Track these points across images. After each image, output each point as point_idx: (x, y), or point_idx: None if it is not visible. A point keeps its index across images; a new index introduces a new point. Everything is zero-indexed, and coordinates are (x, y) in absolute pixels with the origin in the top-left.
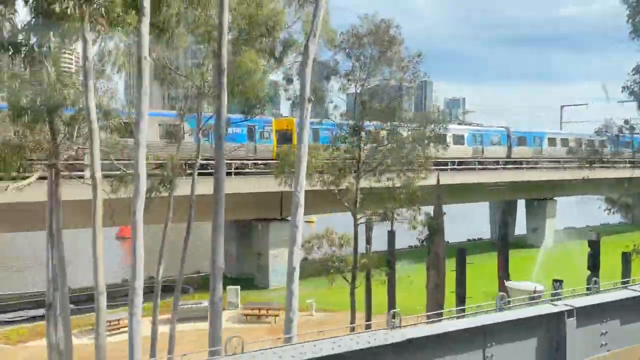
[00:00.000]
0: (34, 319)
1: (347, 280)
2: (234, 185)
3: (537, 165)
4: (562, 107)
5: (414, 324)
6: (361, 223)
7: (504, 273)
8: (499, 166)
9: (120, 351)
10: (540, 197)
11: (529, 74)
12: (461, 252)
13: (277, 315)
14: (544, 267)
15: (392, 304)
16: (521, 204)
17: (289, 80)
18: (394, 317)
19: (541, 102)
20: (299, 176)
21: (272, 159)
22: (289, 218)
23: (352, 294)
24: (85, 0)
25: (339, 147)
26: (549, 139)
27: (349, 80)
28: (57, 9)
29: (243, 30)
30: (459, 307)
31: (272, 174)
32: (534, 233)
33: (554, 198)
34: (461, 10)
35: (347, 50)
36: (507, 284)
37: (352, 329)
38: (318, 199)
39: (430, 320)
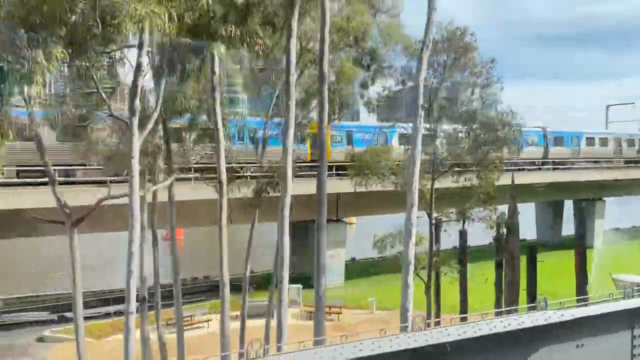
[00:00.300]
0: (108, 315)
1: (420, 278)
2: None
3: (582, 166)
4: (608, 106)
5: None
6: (441, 222)
7: (581, 272)
8: (535, 167)
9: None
10: (586, 197)
11: (564, 73)
12: (532, 250)
13: (340, 313)
14: (606, 267)
15: (464, 300)
16: (568, 205)
17: (364, 86)
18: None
19: (582, 102)
20: (413, 176)
21: (307, 162)
22: (345, 219)
23: (428, 291)
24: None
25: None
26: (587, 138)
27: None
28: (223, 33)
29: (332, 41)
30: (580, 297)
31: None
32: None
33: (603, 198)
34: (490, 7)
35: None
36: (614, 276)
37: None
38: (382, 200)
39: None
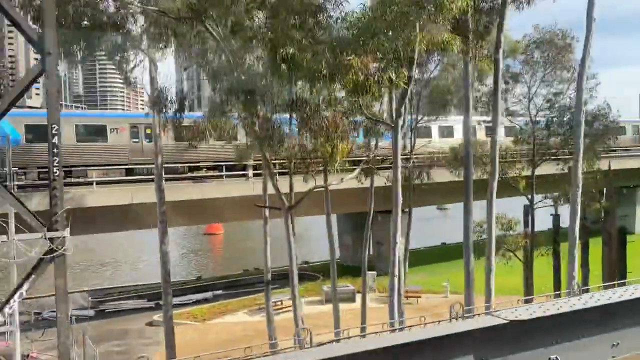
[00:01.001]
0: (196, 302)
1: (519, 259)
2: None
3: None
4: None
5: None
6: (540, 207)
7: None
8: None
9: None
10: (628, 184)
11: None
12: (621, 231)
13: (419, 297)
14: None
15: (557, 279)
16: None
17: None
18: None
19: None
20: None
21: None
22: (406, 209)
23: (528, 269)
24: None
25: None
26: None
27: (524, 83)
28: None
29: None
30: None
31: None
32: (624, 220)
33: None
34: None
35: (526, 56)
36: None
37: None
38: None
39: None
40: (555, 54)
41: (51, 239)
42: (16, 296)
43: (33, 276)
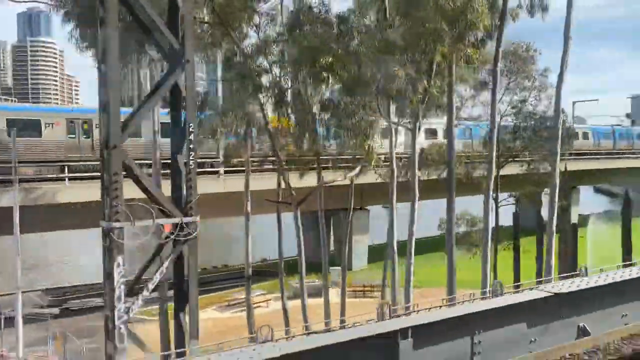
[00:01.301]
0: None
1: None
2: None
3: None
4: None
5: None
6: (504, 205)
7: (627, 242)
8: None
9: None
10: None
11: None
12: (574, 227)
13: (380, 291)
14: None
15: (517, 270)
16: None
17: None
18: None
19: None
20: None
21: None
22: (368, 207)
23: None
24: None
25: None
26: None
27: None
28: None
29: None
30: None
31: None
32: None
33: (577, 187)
34: None
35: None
36: None
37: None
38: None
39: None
40: (520, 64)
41: (186, 224)
42: (158, 273)
43: (172, 255)
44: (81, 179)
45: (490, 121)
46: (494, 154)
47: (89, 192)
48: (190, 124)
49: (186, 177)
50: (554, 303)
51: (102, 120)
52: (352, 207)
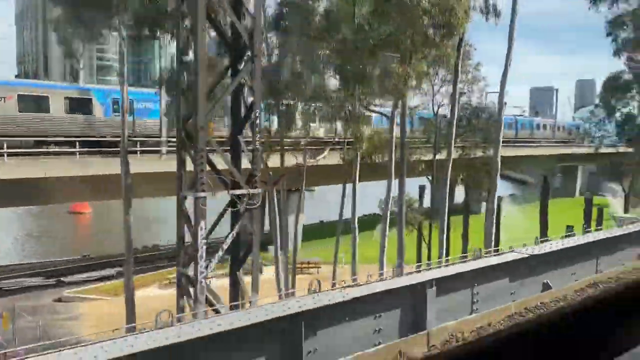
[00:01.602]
0: (100, 279)
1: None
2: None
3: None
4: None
5: None
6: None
7: (544, 217)
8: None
9: None
10: None
11: None
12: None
13: (319, 267)
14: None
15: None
16: None
17: None
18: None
19: None
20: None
21: None
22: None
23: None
24: None
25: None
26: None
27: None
28: None
29: None
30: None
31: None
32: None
33: None
34: None
35: None
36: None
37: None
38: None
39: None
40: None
41: (252, 195)
42: (229, 237)
43: (241, 222)
44: None
45: (451, 111)
46: (452, 140)
47: None
48: (256, 110)
49: (253, 155)
50: (528, 263)
51: (183, 105)
52: (303, 188)
